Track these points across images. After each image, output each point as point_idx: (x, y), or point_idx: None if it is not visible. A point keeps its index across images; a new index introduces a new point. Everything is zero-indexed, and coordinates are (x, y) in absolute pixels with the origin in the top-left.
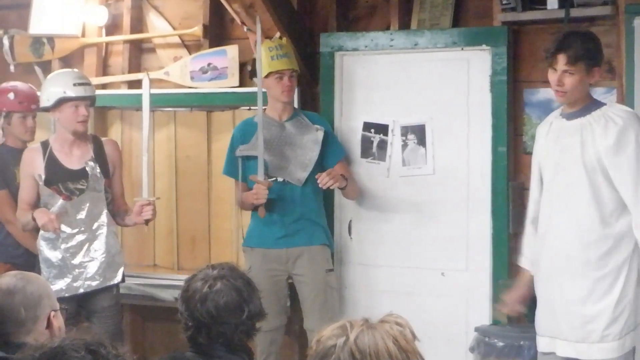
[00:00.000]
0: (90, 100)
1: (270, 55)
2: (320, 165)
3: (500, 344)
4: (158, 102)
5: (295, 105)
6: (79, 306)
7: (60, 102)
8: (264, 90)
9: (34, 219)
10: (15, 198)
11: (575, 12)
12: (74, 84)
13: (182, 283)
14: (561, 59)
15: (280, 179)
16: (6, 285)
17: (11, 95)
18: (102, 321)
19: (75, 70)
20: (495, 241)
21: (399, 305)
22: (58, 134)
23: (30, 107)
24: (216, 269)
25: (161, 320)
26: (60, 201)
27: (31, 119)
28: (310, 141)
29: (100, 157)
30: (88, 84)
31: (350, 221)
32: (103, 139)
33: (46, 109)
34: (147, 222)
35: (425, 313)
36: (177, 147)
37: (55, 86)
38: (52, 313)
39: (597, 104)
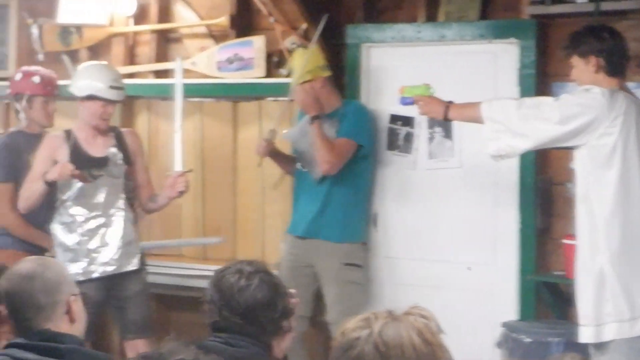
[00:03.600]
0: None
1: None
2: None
3: (528, 340)
4: (184, 92)
5: None
6: (107, 294)
7: (91, 97)
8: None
9: (47, 182)
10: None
11: (605, 6)
12: (110, 86)
13: (207, 273)
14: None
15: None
16: (25, 271)
17: (36, 79)
18: (135, 305)
19: (116, 69)
20: (523, 236)
21: (424, 299)
22: (81, 123)
23: (54, 92)
24: (251, 264)
25: (186, 310)
26: (78, 184)
27: (53, 103)
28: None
29: (121, 145)
30: (122, 88)
31: (376, 214)
32: (122, 129)
33: (75, 97)
34: (181, 194)
35: (451, 308)
36: (203, 137)
37: (92, 80)
38: (72, 298)
39: None
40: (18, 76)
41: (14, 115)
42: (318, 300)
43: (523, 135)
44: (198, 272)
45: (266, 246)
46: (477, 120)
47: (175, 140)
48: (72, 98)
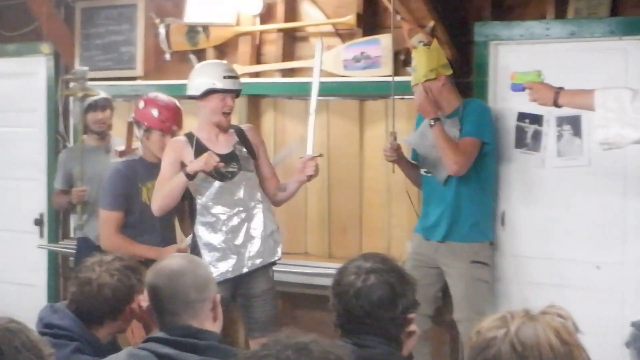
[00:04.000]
0: (237, 93)
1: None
2: None
3: None
4: (311, 90)
5: None
6: (233, 293)
7: (208, 92)
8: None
9: (188, 175)
10: (128, 217)
11: None
12: (224, 77)
13: (333, 271)
14: None
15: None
16: (177, 266)
17: (155, 112)
18: (263, 304)
19: (225, 62)
20: None
21: (551, 298)
22: (202, 123)
23: (171, 128)
24: (369, 260)
25: (311, 308)
26: (217, 184)
27: (170, 137)
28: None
29: (243, 140)
30: (236, 77)
31: (504, 212)
32: (241, 125)
33: (193, 98)
34: (309, 178)
35: (579, 307)
36: (329, 135)
37: (205, 76)
38: (218, 296)
39: None
40: (141, 104)
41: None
42: (444, 299)
43: (634, 126)
44: (323, 270)
45: (392, 244)
46: (588, 107)
47: (309, 123)
48: (194, 98)
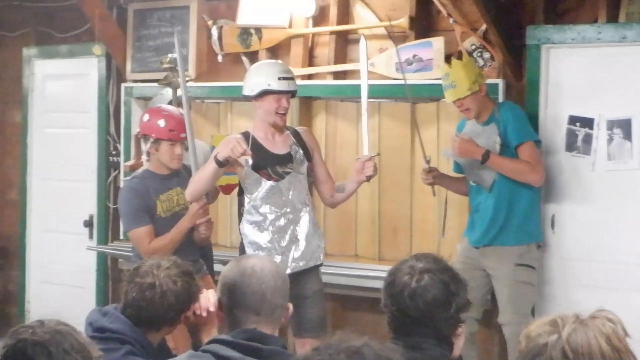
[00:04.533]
0: (292, 94)
1: (442, 84)
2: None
3: None
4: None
5: (500, 99)
6: None
7: (264, 93)
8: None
9: (218, 161)
10: (154, 232)
11: None
12: (279, 78)
13: (383, 274)
14: None
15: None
16: (268, 270)
17: (162, 122)
18: (313, 305)
19: (281, 62)
20: None
21: (601, 302)
22: (258, 122)
23: (180, 136)
24: (421, 261)
25: (362, 310)
26: (268, 183)
27: (179, 146)
28: (486, 144)
29: (300, 142)
30: (292, 78)
31: (554, 215)
32: (297, 127)
33: (249, 98)
34: (368, 178)
35: (629, 310)
36: (380, 137)
37: (260, 76)
38: (290, 305)
39: None
40: (145, 117)
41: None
42: (492, 302)
43: None
44: (373, 273)
45: (442, 247)
46: None
47: (362, 123)
48: (249, 99)
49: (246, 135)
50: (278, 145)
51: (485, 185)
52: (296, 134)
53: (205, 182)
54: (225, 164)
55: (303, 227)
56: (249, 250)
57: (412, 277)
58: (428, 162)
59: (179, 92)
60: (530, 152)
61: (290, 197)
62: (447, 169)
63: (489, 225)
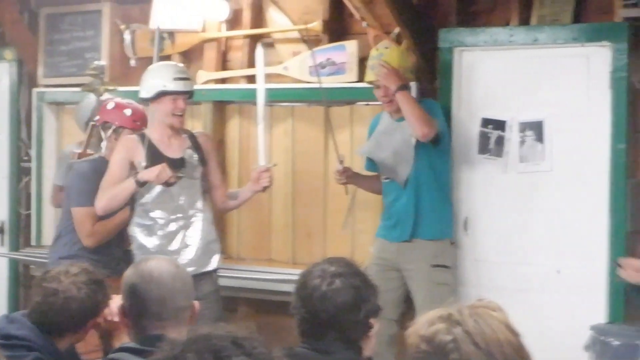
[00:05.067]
0: (189, 95)
1: (369, 63)
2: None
3: (616, 343)
4: (276, 96)
5: None
6: None
7: (160, 94)
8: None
9: (138, 182)
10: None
11: None
12: (174, 78)
13: (296, 277)
14: None
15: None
16: (167, 271)
17: (128, 112)
18: (207, 306)
19: (177, 63)
20: (613, 239)
21: (514, 302)
22: (155, 124)
23: (141, 128)
24: (333, 264)
25: (275, 314)
26: (158, 187)
27: None
28: (402, 138)
29: (195, 147)
30: (187, 78)
31: (467, 217)
32: (195, 131)
33: (145, 100)
34: (264, 189)
35: (540, 310)
36: (294, 141)
37: (156, 78)
38: (196, 303)
39: None
40: (110, 105)
41: (95, 139)
42: (408, 303)
43: None
44: (287, 276)
45: (356, 251)
46: None
47: (258, 133)
48: (146, 101)
49: (142, 136)
50: (173, 148)
51: (400, 180)
52: (193, 138)
53: (121, 201)
54: (144, 185)
55: (195, 233)
56: (137, 252)
57: (324, 280)
58: (342, 162)
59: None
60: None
61: (181, 202)
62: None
63: (405, 221)
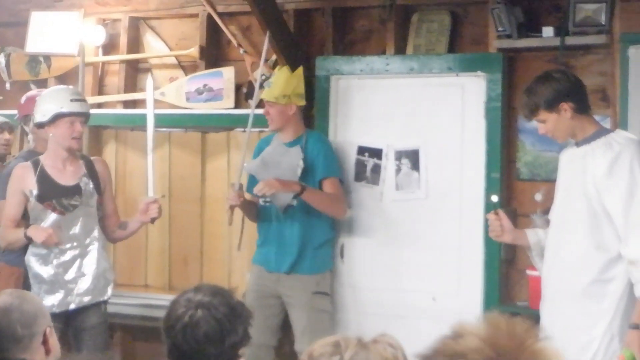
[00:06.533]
0: (85, 117)
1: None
2: (312, 186)
3: None
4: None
5: None
6: (65, 324)
7: (56, 117)
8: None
9: (27, 237)
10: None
11: (570, 40)
12: (71, 100)
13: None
14: (528, 116)
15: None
16: (2, 304)
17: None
18: (92, 338)
19: (71, 87)
20: (487, 267)
21: (390, 328)
22: (50, 150)
23: None
24: (199, 293)
25: (151, 340)
26: (53, 216)
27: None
28: (289, 166)
29: (92, 174)
30: (84, 100)
31: (343, 244)
32: (92, 157)
33: (41, 125)
34: (153, 220)
35: (416, 337)
36: (171, 167)
37: (52, 102)
38: (48, 329)
39: (604, 132)
40: (23, 99)
41: (24, 138)
42: (284, 329)
43: None
44: (163, 302)
45: (233, 276)
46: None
47: (147, 164)
48: (42, 125)
49: (35, 163)
50: (67, 175)
51: (279, 204)
52: (90, 164)
53: (17, 247)
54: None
55: (91, 262)
56: (32, 282)
57: (187, 311)
58: (240, 187)
59: None
60: (336, 187)
61: (77, 231)
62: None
63: (287, 252)
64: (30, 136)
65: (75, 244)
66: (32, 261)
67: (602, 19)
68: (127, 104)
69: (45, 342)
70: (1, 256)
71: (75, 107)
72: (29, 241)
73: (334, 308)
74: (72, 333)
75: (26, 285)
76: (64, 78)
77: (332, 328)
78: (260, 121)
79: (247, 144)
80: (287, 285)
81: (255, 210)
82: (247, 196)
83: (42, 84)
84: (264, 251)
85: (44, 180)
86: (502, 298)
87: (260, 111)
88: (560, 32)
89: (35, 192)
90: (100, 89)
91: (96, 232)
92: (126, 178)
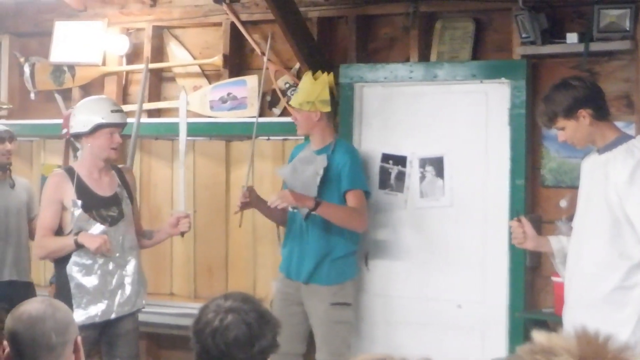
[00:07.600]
0: (123, 127)
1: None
2: (337, 196)
3: None
4: (177, 130)
5: None
6: (100, 333)
7: (97, 128)
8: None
9: (77, 245)
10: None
11: (594, 47)
12: (112, 111)
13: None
14: (547, 124)
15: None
16: (36, 312)
17: None
18: (126, 345)
19: (109, 97)
20: (513, 274)
21: (415, 337)
22: (86, 160)
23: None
24: (229, 299)
25: (177, 349)
26: (99, 226)
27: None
28: (312, 173)
29: (124, 183)
30: (122, 111)
31: (367, 252)
32: (120, 166)
33: (80, 135)
34: (182, 234)
35: (441, 345)
36: (195, 176)
37: (92, 113)
38: (79, 338)
39: (625, 138)
40: (69, 113)
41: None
42: (313, 337)
43: None
44: (189, 311)
45: (257, 284)
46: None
47: (179, 178)
48: (79, 136)
49: (70, 171)
50: (104, 186)
51: (303, 212)
52: (120, 174)
53: (60, 255)
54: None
55: (130, 272)
56: (74, 292)
57: (217, 315)
58: (248, 189)
59: None
60: (359, 200)
61: (120, 241)
62: None
63: (306, 261)
64: (79, 152)
65: (118, 254)
66: (75, 271)
67: (627, 24)
68: (151, 113)
69: (76, 350)
70: None
71: (116, 118)
72: (79, 248)
73: (358, 316)
74: (105, 340)
75: (60, 298)
76: (88, 87)
77: (352, 338)
78: (286, 129)
79: (252, 152)
80: (306, 295)
81: (276, 212)
82: None
83: (67, 93)
84: (286, 257)
85: (83, 190)
86: (527, 305)
87: (266, 120)
88: (585, 38)
89: (80, 202)
90: (124, 98)
91: (134, 242)
92: (150, 187)
